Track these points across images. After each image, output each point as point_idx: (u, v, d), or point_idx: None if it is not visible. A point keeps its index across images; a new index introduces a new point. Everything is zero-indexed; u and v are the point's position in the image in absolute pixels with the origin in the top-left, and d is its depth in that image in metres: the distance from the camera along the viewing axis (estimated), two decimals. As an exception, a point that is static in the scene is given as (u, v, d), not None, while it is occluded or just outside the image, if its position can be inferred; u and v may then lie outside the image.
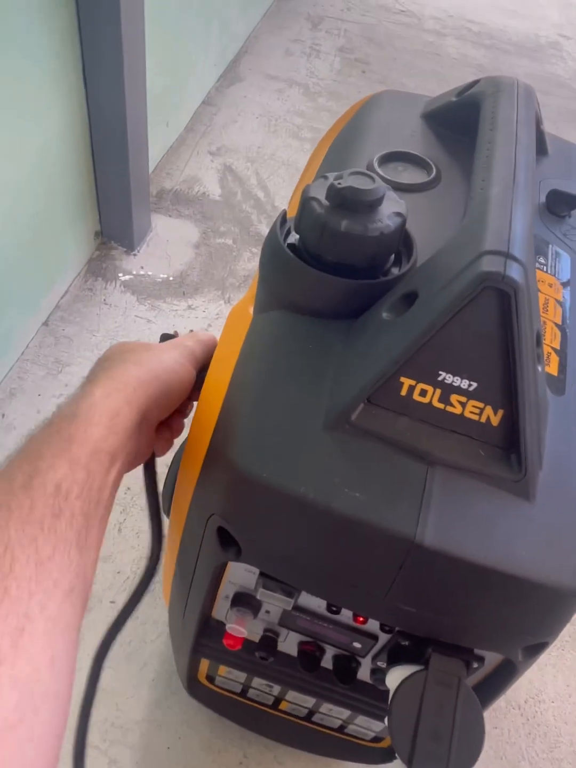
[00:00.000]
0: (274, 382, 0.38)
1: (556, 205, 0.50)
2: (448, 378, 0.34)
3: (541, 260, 0.46)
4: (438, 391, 0.34)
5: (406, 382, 0.34)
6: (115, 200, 1.05)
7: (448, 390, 0.34)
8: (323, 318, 0.40)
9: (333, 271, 0.38)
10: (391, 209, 0.38)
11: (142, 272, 1.08)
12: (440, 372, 0.34)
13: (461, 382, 0.34)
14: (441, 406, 0.35)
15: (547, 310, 0.43)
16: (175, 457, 0.60)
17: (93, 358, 0.93)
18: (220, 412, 0.40)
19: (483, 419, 0.35)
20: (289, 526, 0.35)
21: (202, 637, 0.47)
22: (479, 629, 0.35)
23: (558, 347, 0.41)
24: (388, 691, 0.38)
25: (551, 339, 0.41)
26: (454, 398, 0.34)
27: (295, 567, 0.36)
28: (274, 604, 0.41)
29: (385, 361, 0.34)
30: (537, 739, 0.69)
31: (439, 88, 1.83)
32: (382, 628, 0.39)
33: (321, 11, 2.07)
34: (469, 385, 0.34)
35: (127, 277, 1.07)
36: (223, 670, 0.54)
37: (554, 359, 0.41)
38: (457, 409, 0.35)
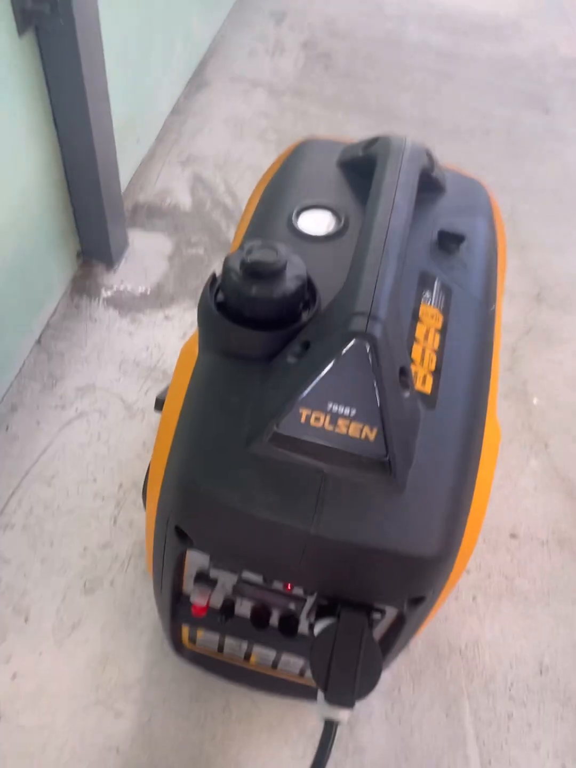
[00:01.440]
0: (208, 413, 0.49)
1: (445, 242, 0.61)
2: (335, 407, 0.45)
3: (427, 294, 0.57)
4: (328, 417, 0.46)
5: (304, 411, 0.46)
6: (92, 222, 1.15)
7: (335, 416, 0.46)
8: (246, 360, 0.51)
9: (252, 324, 0.49)
10: (293, 273, 0.49)
11: (122, 287, 1.18)
12: (329, 402, 0.45)
13: (345, 409, 0.45)
14: (331, 428, 0.46)
15: (428, 339, 0.54)
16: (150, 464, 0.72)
17: (83, 370, 1.05)
18: (174, 437, 0.51)
19: (363, 437, 0.46)
20: (222, 523, 0.46)
21: (177, 608, 0.60)
22: (371, 590, 0.47)
23: (433, 369, 0.52)
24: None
25: (428, 363, 0.53)
26: (340, 422, 0.46)
27: (232, 552, 0.48)
28: (225, 578, 0.53)
29: (288, 394, 0.46)
30: (475, 677, 0.82)
31: (402, 76, 1.89)
32: (305, 592, 0.51)
33: (283, 6, 2.12)
34: (351, 411, 0.45)
35: (109, 292, 1.17)
36: (199, 633, 0.67)
37: (429, 380, 0.52)
38: (343, 430, 0.46)
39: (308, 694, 0.73)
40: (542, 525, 0.97)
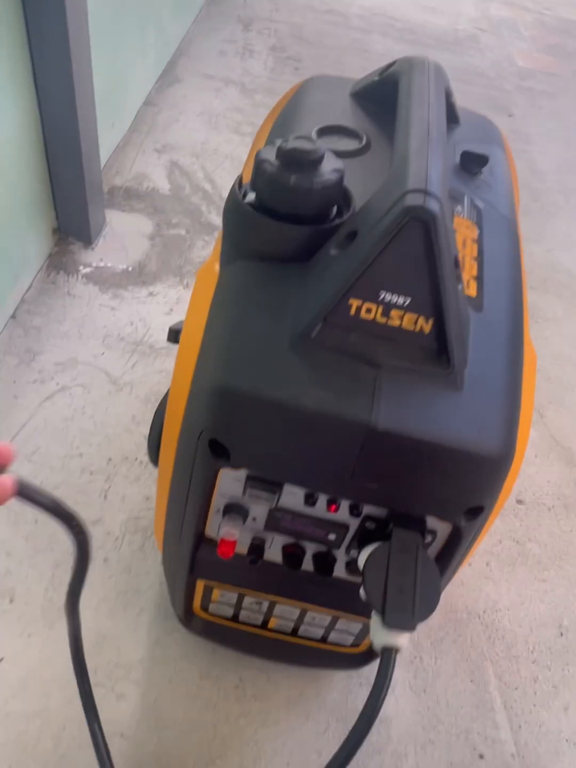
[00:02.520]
0: (244, 316, 0.45)
1: (469, 164, 0.59)
2: (387, 296, 0.42)
3: (459, 208, 0.55)
4: (380, 308, 0.42)
5: (354, 302, 0.42)
6: (70, 196, 1.10)
7: (388, 306, 0.42)
8: (281, 262, 0.47)
9: (286, 221, 0.46)
10: (331, 166, 0.46)
11: (101, 264, 1.13)
12: (381, 291, 0.42)
13: (398, 299, 0.42)
14: (383, 320, 0.43)
15: (465, 247, 0.52)
16: (156, 414, 0.66)
17: (63, 345, 0.99)
18: (200, 348, 0.47)
19: (417, 328, 0.43)
20: (268, 426, 0.42)
21: (198, 555, 0.54)
22: (428, 498, 0.43)
23: (476, 275, 0.50)
24: (360, 583, 0.45)
25: (470, 269, 0.50)
26: (393, 313, 0.42)
27: (276, 462, 0.43)
28: (259, 505, 0.48)
29: (336, 286, 0.42)
30: (496, 641, 0.78)
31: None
32: (352, 512, 0.47)
33: (250, 13, 2.15)
34: (405, 301, 0.42)
35: (87, 269, 1.11)
36: (216, 594, 0.61)
37: (473, 285, 0.49)
38: (396, 322, 0.43)
39: (327, 661, 0.68)
40: (547, 491, 0.95)
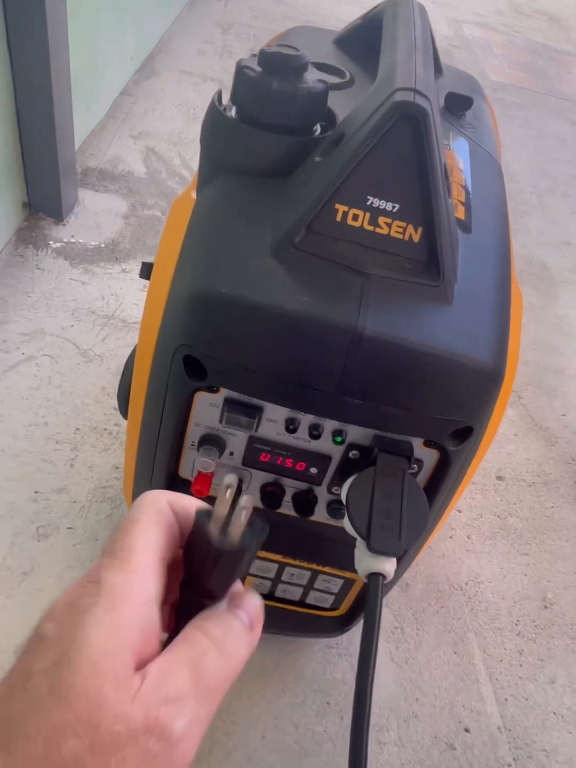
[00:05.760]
0: (222, 226, 0.43)
1: (454, 105, 0.58)
2: (375, 202, 0.40)
3: (445, 142, 0.53)
4: (367, 215, 0.40)
5: (340, 208, 0.40)
6: (42, 171, 1.07)
7: (375, 213, 0.40)
8: (263, 175, 0.45)
9: (268, 131, 0.44)
10: (315, 77, 0.44)
11: (72, 240, 1.10)
12: (368, 197, 0.40)
13: (386, 205, 0.40)
14: (371, 228, 0.40)
15: (453, 175, 0.50)
16: (126, 363, 0.63)
17: (30, 316, 0.95)
18: (177, 262, 0.44)
19: (406, 237, 0.41)
20: (248, 335, 0.39)
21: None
22: (415, 417, 0.41)
23: (463, 200, 0.48)
24: (343, 529, 0.42)
25: (458, 195, 0.49)
26: (381, 220, 0.40)
27: (256, 378, 0.40)
28: (237, 435, 0.45)
29: (321, 190, 0.40)
30: (479, 613, 0.75)
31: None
32: (335, 439, 0.44)
33: (230, 18, 2.17)
34: (393, 207, 0.40)
35: (58, 244, 1.08)
36: (188, 550, 0.57)
37: (461, 208, 0.48)
38: (384, 230, 0.41)
39: (305, 626, 0.64)
40: (526, 468, 0.94)
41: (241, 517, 0.23)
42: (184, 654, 0.21)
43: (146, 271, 0.54)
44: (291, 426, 0.44)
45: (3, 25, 0.88)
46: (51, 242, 1.08)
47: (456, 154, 0.53)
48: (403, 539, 0.40)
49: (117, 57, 1.50)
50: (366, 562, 0.40)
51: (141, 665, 0.20)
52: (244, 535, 0.23)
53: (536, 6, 3.15)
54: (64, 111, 1.04)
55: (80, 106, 1.28)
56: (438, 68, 0.63)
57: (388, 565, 0.39)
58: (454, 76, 0.66)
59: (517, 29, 2.93)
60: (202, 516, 0.23)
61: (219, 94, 0.46)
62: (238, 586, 0.25)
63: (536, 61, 2.60)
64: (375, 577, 0.39)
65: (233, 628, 0.23)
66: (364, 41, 0.60)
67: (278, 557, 0.55)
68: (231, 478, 0.24)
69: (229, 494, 0.24)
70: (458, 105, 0.58)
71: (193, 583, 0.24)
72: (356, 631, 0.63)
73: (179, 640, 0.22)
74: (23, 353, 0.89)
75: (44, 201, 1.11)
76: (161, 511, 0.24)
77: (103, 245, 1.10)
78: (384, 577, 0.39)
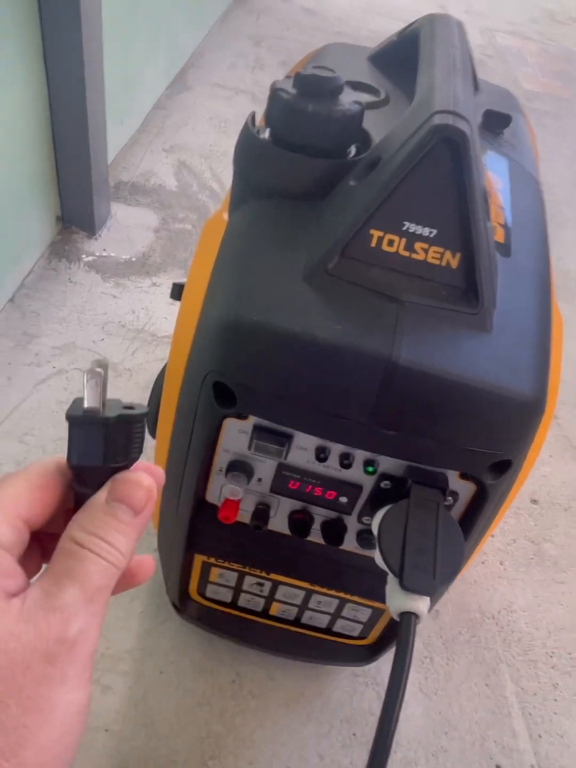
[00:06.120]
0: (254, 250, 0.42)
1: (492, 123, 0.57)
2: (412, 227, 0.39)
3: (483, 160, 0.52)
4: (403, 240, 0.39)
5: (375, 233, 0.39)
6: (76, 186, 1.08)
7: (412, 238, 0.39)
8: (296, 199, 0.44)
9: (305, 152, 0.43)
10: (350, 98, 0.43)
11: (104, 254, 1.11)
12: (404, 222, 0.39)
13: (423, 230, 0.39)
14: (406, 253, 0.39)
15: (491, 197, 0.49)
16: (155, 382, 0.63)
17: (61, 330, 0.96)
18: (208, 286, 0.43)
19: (443, 263, 0.39)
20: (279, 363, 0.38)
21: (197, 523, 0.50)
22: (451, 449, 0.39)
23: (502, 222, 0.47)
24: (373, 558, 0.41)
25: (496, 217, 0.47)
26: (417, 246, 0.39)
27: (286, 407, 0.39)
28: (266, 462, 0.44)
29: (355, 215, 0.39)
30: (512, 644, 0.73)
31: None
32: (366, 469, 0.42)
33: (262, 31, 2.19)
34: (430, 233, 0.39)
35: (90, 258, 1.09)
36: (214, 573, 0.56)
37: (500, 231, 0.46)
38: (421, 256, 0.39)
39: (331, 655, 0.63)
40: (562, 492, 0.91)
41: (86, 388, 0.24)
42: (62, 566, 0.23)
43: (177, 292, 0.54)
44: (321, 454, 0.43)
45: (40, 42, 0.89)
46: (83, 256, 1.09)
47: (495, 175, 0.51)
48: (438, 578, 0.38)
49: (150, 71, 1.52)
50: (398, 600, 0.38)
51: (13, 595, 0.22)
52: (85, 403, 0.24)
53: (571, 13, 3.11)
54: (98, 126, 1.05)
55: (114, 120, 1.30)
56: (476, 86, 0.62)
57: (421, 605, 0.38)
58: (491, 92, 0.65)
59: (551, 37, 2.89)
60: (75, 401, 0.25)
61: (252, 116, 0.46)
62: (124, 473, 0.26)
63: (571, 70, 2.56)
64: (407, 616, 0.38)
65: (109, 524, 0.24)
66: (399, 58, 0.59)
67: (305, 584, 0.54)
68: (93, 367, 0.25)
69: (86, 378, 0.24)
70: (497, 123, 0.57)
71: (74, 475, 0.26)
72: (385, 659, 0.62)
73: (57, 553, 0.23)
74: (54, 367, 0.90)
75: (77, 215, 1.12)
76: (40, 471, 0.25)
77: (134, 259, 1.11)
78: (417, 616, 0.38)
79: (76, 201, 1.10)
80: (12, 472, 0.26)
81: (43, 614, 0.21)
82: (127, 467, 0.26)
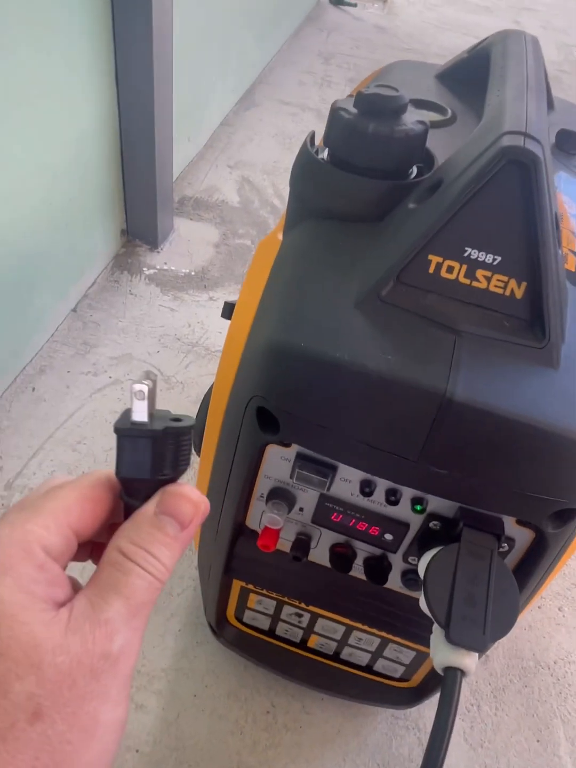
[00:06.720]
0: (306, 273, 0.40)
1: (566, 143, 0.54)
2: (474, 253, 0.36)
3: (556, 182, 0.49)
4: (464, 267, 0.37)
5: (434, 259, 0.37)
6: (141, 201, 1.11)
7: (473, 265, 0.37)
8: (353, 221, 0.42)
9: (362, 175, 0.41)
10: (414, 118, 0.42)
11: (165, 267, 1.12)
12: (466, 248, 0.37)
13: (486, 257, 0.36)
14: (467, 281, 0.37)
15: (563, 221, 0.46)
16: (203, 399, 0.62)
17: (119, 341, 0.97)
18: (258, 308, 0.42)
19: (507, 292, 0.37)
20: (326, 393, 0.36)
21: (236, 549, 0.48)
22: (509, 493, 0.36)
23: (574, 249, 0.44)
24: (417, 600, 0.39)
25: (568, 243, 0.44)
26: (479, 273, 0.37)
27: (330, 437, 0.38)
28: (308, 492, 0.43)
29: (413, 240, 0.37)
30: (568, 698, 0.67)
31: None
32: (414, 507, 0.40)
33: (332, 48, 2.20)
34: (494, 260, 0.36)
35: (151, 271, 1.11)
36: (253, 600, 0.55)
37: (572, 259, 0.43)
38: (482, 284, 0.37)
39: (371, 694, 0.60)
40: (630, 535, 0.84)
41: (134, 401, 0.24)
42: (108, 578, 0.23)
43: (228, 311, 0.53)
44: (366, 489, 0.40)
45: (113, 61, 0.92)
46: (145, 269, 1.11)
47: (568, 198, 0.48)
48: (488, 633, 0.35)
49: (219, 90, 1.55)
50: (443, 653, 0.35)
51: (60, 605, 0.22)
52: (133, 416, 0.24)
53: None
54: (165, 144, 1.07)
55: (181, 137, 1.33)
56: (550, 104, 0.59)
57: (468, 660, 0.35)
58: (565, 109, 0.61)
59: None
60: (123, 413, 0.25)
61: (311, 136, 0.45)
62: (173, 486, 0.25)
63: None
64: (452, 672, 0.35)
65: (156, 538, 0.24)
66: (469, 76, 0.57)
67: (346, 620, 0.52)
68: (141, 380, 0.24)
69: (136, 395, 0.24)
70: (571, 143, 0.53)
71: (122, 487, 0.25)
72: (428, 704, 0.58)
73: (103, 562, 0.23)
74: (110, 377, 0.92)
75: (141, 229, 1.15)
76: (91, 482, 0.25)
77: (193, 273, 1.12)
78: (463, 673, 0.35)
79: (140, 216, 1.13)
80: (63, 479, 0.26)
81: (89, 627, 0.21)
82: (174, 480, 0.26)
